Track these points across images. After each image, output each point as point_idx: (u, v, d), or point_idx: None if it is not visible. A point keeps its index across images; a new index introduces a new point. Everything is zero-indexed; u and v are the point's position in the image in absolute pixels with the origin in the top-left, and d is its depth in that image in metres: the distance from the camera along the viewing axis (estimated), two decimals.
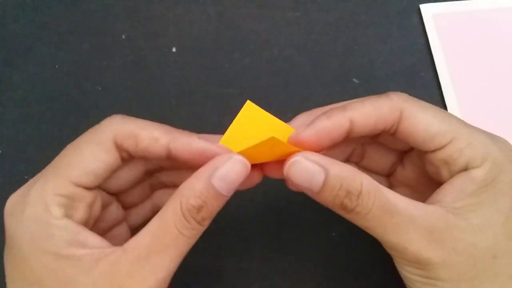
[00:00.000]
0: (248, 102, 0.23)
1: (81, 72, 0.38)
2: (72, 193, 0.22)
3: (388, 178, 0.28)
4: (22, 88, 0.38)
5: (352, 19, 0.40)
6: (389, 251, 0.22)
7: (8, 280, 0.21)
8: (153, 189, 0.28)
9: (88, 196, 0.22)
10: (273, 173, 0.24)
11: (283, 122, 0.23)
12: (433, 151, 0.22)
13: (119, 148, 0.23)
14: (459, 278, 0.20)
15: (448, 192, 0.22)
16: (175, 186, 0.26)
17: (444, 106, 0.37)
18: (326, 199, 0.21)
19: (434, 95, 0.37)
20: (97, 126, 0.23)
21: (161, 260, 0.20)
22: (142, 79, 0.38)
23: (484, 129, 0.24)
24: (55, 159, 0.23)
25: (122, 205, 0.27)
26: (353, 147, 0.27)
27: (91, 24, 0.40)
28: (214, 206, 0.21)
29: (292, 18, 0.40)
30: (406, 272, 0.22)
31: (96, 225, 0.24)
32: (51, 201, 0.21)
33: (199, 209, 0.21)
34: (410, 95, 0.24)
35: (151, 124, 0.23)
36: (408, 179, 0.27)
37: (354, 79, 0.38)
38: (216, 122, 0.36)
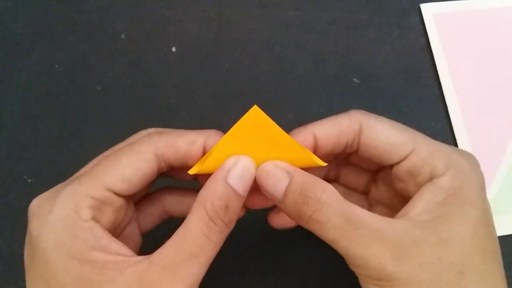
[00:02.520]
0: (255, 107, 0.23)
1: (81, 72, 0.38)
2: (104, 197, 0.22)
3: (366, 197, 0.28)
4: (22, 88, 0.38)
5: (352, 19, 0.40)
6: (352, 268, 0.21)
7: (28, 286, 0.21)
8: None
9: (117, 202, 0.23)
10: (256, 205, 0.25)
11: (286, 134, 0.23)
12: (396, 163, 0.23)
13: (159, 159, 0.23)
14: None
15: (416, 204, 0.21)
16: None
17: (444, 106, 0.36)
18: (288, 206, 0.21)
19: (435, 95, 0.37)
20: (134, 138, 0.24)
21: (189, 268, 0.20)
22: (142, 79, 0.38)
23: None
24: (90, 165, 0.24)
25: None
26: (327, 169, 0.28)
27: (91, 24, 0.40)
28: (236, 207, 0.22)
29: (292, 18, 0.40)
30: None
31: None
32: (82, 202, 0.21)
33: (226, 209, 0.21)
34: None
35: (184, 131, 0.24)
36: (383, 198, 0.27)
37: (354, 79, 0.38)
38: (216, 122, 0.36)
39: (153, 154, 0.23)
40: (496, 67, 0.38)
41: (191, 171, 0.23)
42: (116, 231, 0.24)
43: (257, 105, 0.24)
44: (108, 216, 0.22)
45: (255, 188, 0.23)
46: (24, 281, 0.22)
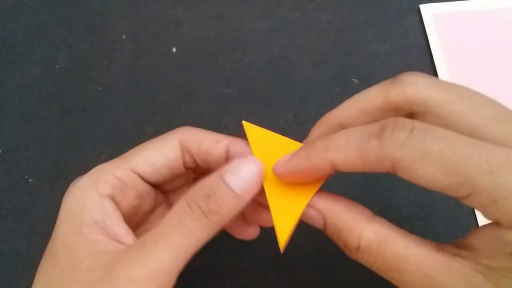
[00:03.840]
0: (245, 122, 0.23)
1: (81, 72, 0.38)
2: (127, 177, 0.22)
3: None
4: (22, 88, 0.38)
5: (352, 19, 0.40)
6: None
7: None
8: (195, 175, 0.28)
9: (141, 186, 0.23)
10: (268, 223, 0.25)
11: (286, 138, 0.23)
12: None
13: (183, 148, 0.24)
14: None
15: (486, 241, 0.17)
16: None
17: None
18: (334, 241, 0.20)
19: None
20: (167, 132, 0.25)
21: (153, 252, 0.19)
22: (142, 79, 0.38)
23: None
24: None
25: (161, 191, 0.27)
26: None
27: (91, 24, 0.40)
28: (226, 203, 0.20)
29: (292, 18, 0.40)
30: None
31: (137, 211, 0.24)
32: (103, 177, 0.22)
33: (206, 197, 0.20)
34: None
35: (214, 132, 0.25)
36: None
37: (354, 79, 0.38)
38: (216, 122, 0.36)
39: (178, 141, 0.24)
40: (496, 68, 0.38)
41: (282, 248, 0.21)
42: (137, 217, 0.24)
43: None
44: (129, 199, 0.23)
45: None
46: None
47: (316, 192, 0.21)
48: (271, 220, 0.21)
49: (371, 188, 0.33)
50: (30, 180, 0.35)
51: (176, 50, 0.39)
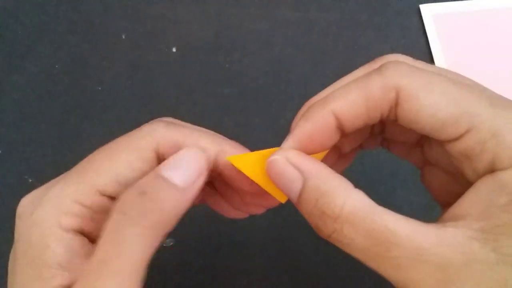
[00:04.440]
0: (229, 158, 0.20)
1: (81, 72, 0.38)
2: (96, 203, 0.19)
3: (420, 150, 0.22)
4: (22, 88, 0.38)
5: (352, 19, 0.40)
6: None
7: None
8: None
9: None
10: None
11: (266, 150, 0.20)
12: (449, 141, 0.17)
13: (159, 158, 0.20)
14: None
15: (472, 205, 0.16)
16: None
17: None
18: (305, 214, 0.18)
19: None
20: (136, 131, 0.20)
21: (99, 284, 0.16)
22: (142, 79, 0.38)
23: None
24: (82, 162, 0.20)
25: None
26: (369, 128, 0.22)
27: (91, 24, 0.40)
28: (167, 198, 0.17)
29: (292, 18, 0.40)
30: None
31: None
32: (67, 207, 0.18)
33: (141, 194, 0.17)
34: None
35: (198, 131, 0.20)
36: (438, 160, 0.21)
37: None
38: (216, 122, 0.36)
39: (153, 152, 0.20)
40: (496, 67, 0.38)
41: (230, 159, 0.19)
42: None
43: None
44: (101, 226, 0.18)
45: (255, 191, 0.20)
46: None
47: (300, 153, 0.19)
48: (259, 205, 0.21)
49: (371, 188, 0.33)
50: (30, 180, 0.35)
51: (176, 50, 0.39)
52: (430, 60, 0.38)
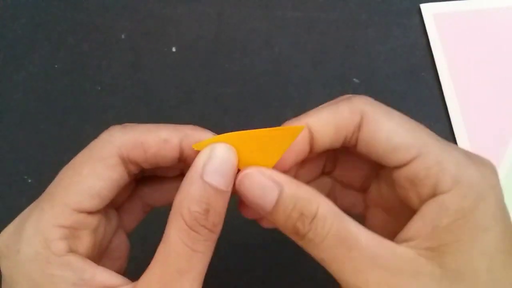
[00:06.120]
0: (195, 146, 0.20)
1: (81, 72, 0.38)
2: (75, 222, 0.19)
3: (364, 196, 0.25)
4: (22, 88, 0.38)
5: (352, 19, 0.40)
6: None
7: None
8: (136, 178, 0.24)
9: (93, 221, 0.20)
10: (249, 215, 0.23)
11: (253, 130, 0.20)
12: (398, 167, 0.19)
13: (125, 161, 0.20)
14: None
15: (419, 228, 0.18)
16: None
17: (444, 106, 0.36)
18: (279, 220, 0.19)
19: (435, 95, 0.37)
20: (95, 142, 0.21)
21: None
22: (142, 79, 0.38)
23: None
24: (50, 185, 0.20)
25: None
26: (323, 160, 0.24)
27: (91, 24, 0.40)
28: (220, 206, 0.19)
29: (292, 18, 0.40)
30: None
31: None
32: (51, 234, 0.18)
33: (206, 213, 0.18)
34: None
35: (155, 126, 0.21)
36: (382, 199, 0.23)
37: (354, 79, 0.38)
38: (216, 122, 0.36)
39: (117, 157, 0.20)
40: (496, 67, 0.38)
41: (196, 146, 0.20)
42: (101, 249, 0.22)
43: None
44: (86, 240, 0.19)
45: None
46: None
47: (272, 167, 0.20)
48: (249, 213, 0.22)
49: None
50: (30, 180, 0.35)
51: (176, 50, 0.39)
52: (431, 59, 0.38)
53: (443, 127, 0.36)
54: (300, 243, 0.19)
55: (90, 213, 0.19)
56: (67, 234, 0.18)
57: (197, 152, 0.20)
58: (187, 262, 0.18)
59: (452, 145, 0.20)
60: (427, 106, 0.37)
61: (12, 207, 0.34)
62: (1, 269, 0.19)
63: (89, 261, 0.19)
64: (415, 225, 0.18)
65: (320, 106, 0.21)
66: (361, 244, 0.18)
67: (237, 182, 0.19)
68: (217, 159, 0.19)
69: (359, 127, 0.20)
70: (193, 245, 0.18)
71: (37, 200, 0.20)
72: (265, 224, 0.23)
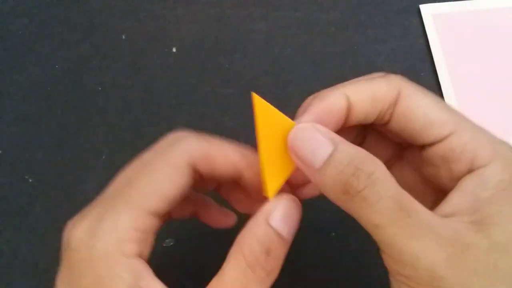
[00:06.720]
0: (253, 94, 0.20)
1: (81, 72, 0.38)
2: (149, 225, 0.19)
3: None
4: (22, 88, 0.38)
5: (352, 19, 0.40)
6: (391, 264, 0.18)
7: None
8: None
9: (159, 224, 0.20)
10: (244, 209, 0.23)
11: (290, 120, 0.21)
12: (431, 144, 0.19)
13: (192, 169, 0.21)
14: None
15: (460, 203, 0.18)
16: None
17: None
18: (327, 177, 0.18)
19: None
20: (167, 145, 0.21)
21: None
22: (142, 79, 0.38)
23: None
24: (119, 181, 0.21)
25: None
26: (355, 133, 0.24)
27: (91, 24, 0.40)
28: (280, 252, 0.19)
29: (292, 18, 0.40)
30: None
31: None
32: (126, 236, 0.19)
33: (267, 255, 0.18)
34: None
35: (226, 145, 0.22)
36: (404, 181, 0.23)
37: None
38: (216, 122, 0.36)
39: (187, 165, 0.20)
40: (495, 67, 0.38)
41: (271, 195, 0.20)
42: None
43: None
44: (150, 242, 0.20)
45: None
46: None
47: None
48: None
49: None
50: (30, 180, 0.35)
51: (176, 50, 0.39)
52: (430, 60, 0.38)
53: None
54: (347, 204, 0.18)
55: (160, 216, 0.20)
56: (139, 237, 0.19)
57: (252, 175, 0.21)
58: None
59: (481, 127, 0.20)
60: None
61: (12, 207, 0.34)
62: (68, 260, 0.19)
63: (149, 270, 0.19)
64: (455, 201, 0.18)
65: (356, 78, 0.21)
66: (419, 211, 0.17)
67: (290, 135, 0.19)
68: (284, 208, 0.19)
69: (395, 102, 0.20)
70: (247, 284, 0.18)
71: (107, 197, 0.20)
72: (241, 209, 0.24)
